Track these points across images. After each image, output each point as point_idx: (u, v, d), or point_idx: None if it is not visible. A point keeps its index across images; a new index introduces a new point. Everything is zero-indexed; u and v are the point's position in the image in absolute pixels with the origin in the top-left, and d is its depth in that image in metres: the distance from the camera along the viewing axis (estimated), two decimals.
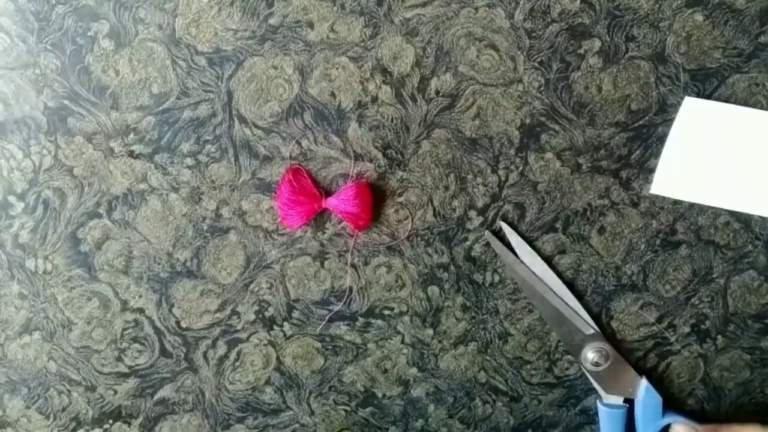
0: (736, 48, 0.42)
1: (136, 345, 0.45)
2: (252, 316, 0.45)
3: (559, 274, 0.44)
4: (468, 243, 0.44)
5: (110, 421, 0.46)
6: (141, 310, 0.44)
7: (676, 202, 0.44)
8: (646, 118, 0.43)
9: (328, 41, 0.42)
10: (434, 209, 0.44)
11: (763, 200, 0.44)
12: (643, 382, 0.44)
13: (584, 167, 0.44)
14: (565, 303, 0.44)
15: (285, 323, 0.45)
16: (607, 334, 0.45)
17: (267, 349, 0.45)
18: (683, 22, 0.42)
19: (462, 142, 0.43)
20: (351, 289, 0.44)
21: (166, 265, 0.44)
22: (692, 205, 0.44)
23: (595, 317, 0.45)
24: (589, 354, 0.44)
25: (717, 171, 0.43)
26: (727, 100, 0.43)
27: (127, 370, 0.45)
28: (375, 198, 0.43)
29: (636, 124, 0.43)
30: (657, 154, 0.43)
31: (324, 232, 0.44)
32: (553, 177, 0.44)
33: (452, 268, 0.45)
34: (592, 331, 0.44)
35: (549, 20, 0.42)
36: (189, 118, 0.42)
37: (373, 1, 0.41)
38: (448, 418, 0.47)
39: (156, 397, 0.45)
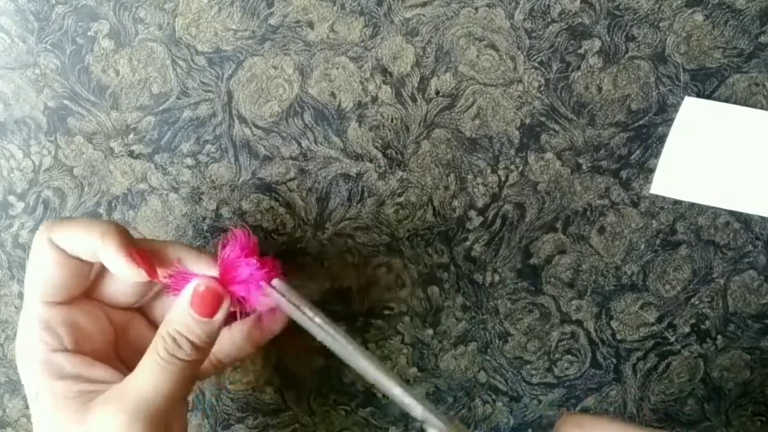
0: (736, 48, 0.42)
1: None
2: None
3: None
4: (468, 243, 0.44)
5: None
6: None
7: (676, 202, 0.44)
8: (646, 118, 0.43)
9: (328, 41, 0.42)
10: (434, 209, 0.44)
11: (763, 200, 0.44)
12: None
13: (584, 167, 0.44)
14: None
15: None
16: (606, 334, 0.46)
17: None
18: (683, 22, 0.42)
19: (462, 142, 0.43)
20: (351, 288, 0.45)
21: None
22: (692, 205, 0.44)
23: (595, 317, 0.45)
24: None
25: (717, 171, 0.43)
26: (727, 100, 0.43)
27: None
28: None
29: (636, 124, 0.43)
30: (657, 154, 0.43)
31: (324, 232, 0.44)
32: (553, 177, 0.44)
33: (452, 268, 0.45)
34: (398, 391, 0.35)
35: (549, 20, 0.42)
36: (189, 118, 0.42)
37: (373, 1, 0.41)
38: None
39: None
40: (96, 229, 0.32)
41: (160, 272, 0.33)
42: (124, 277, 0.32)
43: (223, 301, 0.33)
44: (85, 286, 0.34)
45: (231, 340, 0.37)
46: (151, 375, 0.32)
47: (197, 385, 0.45)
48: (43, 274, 0.33)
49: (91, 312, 0.34)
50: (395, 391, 0.34)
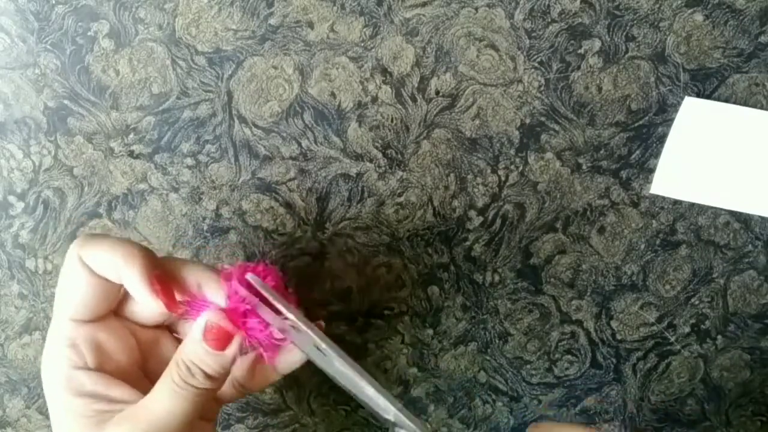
0: (736, 48, 0.42)
1: None
2: None
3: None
4: (468, 243, 0.44)
5: None
6: None
7: (676, 202, 0.44)
8: (646, 118, 0.43)
9: (328, 41, 0.42)
10: (434, 209, 0.44)
11: (763, 200, 0.44)
12: None
13: (584, 167, 0.44)
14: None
15: None
16: (606, 334, 0.46)
17: None
18: (683, 22, 0.42)
19: (462, 142, 0.43)
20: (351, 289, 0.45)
21: None
22: (692, 205, 0.44)
23: (595, 317, 0.45)
24: None
25: (717, 171, 0.43)
26: (727, 100, 0.43)
27: None
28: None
29: (636, 124, 0.43)
30: (657, 154, 0.43)
31: (324, 232, 0.44)
32: (553, 177, 0.44)
33: (452, 268, 0.45)
34: (392, 417, 0.33)
35: (549, 20, 0.42)
36: (189, 118, 0.42)
37: (373, 1, 0.41)
38: (448, 418, 0.47)
39: None
40: (119, 251, 0.32)
41: (179, 297, 0.33)
42: (145, 305, 0.32)
43: (234, 337, 0.32)
44: (113, 305, 0.34)
45: (251, 366, 0.37)
46: (164, 399, 0.32)
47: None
48: (71, 292, 0.32)
49: (117, 330, 0.34)
50: (368, 392, 0.33)
